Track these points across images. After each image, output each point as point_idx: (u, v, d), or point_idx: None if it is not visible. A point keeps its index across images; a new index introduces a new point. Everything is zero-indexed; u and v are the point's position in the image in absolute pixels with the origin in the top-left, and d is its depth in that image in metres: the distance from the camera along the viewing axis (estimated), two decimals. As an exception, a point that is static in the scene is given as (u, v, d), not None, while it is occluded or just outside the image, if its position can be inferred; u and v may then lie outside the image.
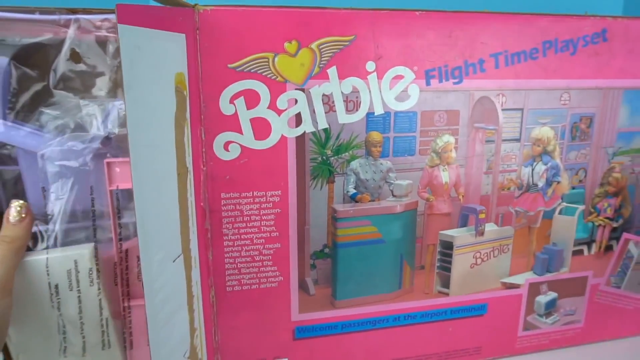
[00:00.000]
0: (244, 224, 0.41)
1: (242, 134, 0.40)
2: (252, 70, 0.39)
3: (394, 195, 0.44)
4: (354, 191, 0.43)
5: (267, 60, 0.39)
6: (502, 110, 0.44)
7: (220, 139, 0.39)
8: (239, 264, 0.42)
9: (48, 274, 0.38)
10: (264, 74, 0.39)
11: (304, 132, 0.41)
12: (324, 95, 0.40)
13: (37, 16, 0.37)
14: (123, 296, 0.41)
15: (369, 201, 0.44)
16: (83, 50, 0.39)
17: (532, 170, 0.47)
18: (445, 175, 0.45)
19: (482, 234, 0.47)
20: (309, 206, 0.43)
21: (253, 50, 0.38)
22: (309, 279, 0.44)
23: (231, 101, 0.39)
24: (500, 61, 0.43)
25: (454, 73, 0.42)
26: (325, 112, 0.41)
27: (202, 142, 0.39)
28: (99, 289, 0.39)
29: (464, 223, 0.46)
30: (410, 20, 0.40)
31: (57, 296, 0.38)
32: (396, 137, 0.43)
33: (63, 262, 0.38)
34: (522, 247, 0.49)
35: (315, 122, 0.41)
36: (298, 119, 0.40)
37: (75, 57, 0.39)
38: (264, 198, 0.41)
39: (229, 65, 0.38)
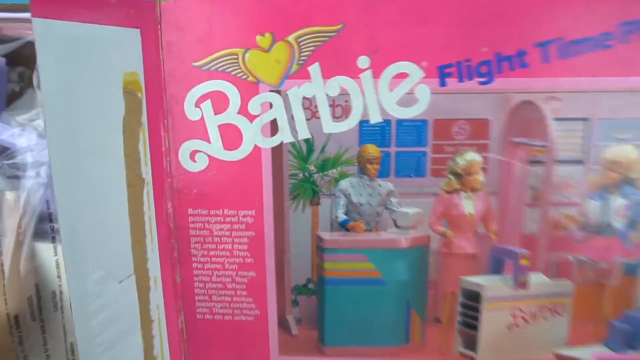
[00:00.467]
0: (214, 245, 0.36)
1: (209, 142, 0.34)
2: (219, 69, 0.33)
3: (397, 226, 0.35)
4: (345, 217, 0.35)
5: (236, 57, 0.33)
6: (556, 120, 0.32)
7: (186, 147, 0.35)
8: (209, 290, 0.37)
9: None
10: (233, 73, 0.33)
11: (281, 142, 0.34)
12: (304, 98, 0.33)
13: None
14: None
15: (364, 231, 0.35)
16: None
17: (605, 204, 0.33)
18: (468, 205, 0.34)
19: (524, 286, 0.34)
20: (289, 231, 0.36)
21: (220, 46, 0.33)
22: (290, 317, 0.37)
23: (197, 105, 0.34)
24: (551, 52, 0.31)
25: (479, 70, 0.31)
26: (307, 119, 0.34)
27: (166, 150, 0.35)
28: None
29: (496, 269, 0.35)
30: (416, 1, 0.31)
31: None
32: (399, 153, 0.34)
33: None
34: (589, 311, 0.35)
35: (294, 130, 0.34)
36: (274, 127, 0.34)
37: None
38: (236, 217, 0.36)
39: (194, 64, 0.33)
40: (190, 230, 0.36)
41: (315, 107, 0.33)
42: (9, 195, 0.36)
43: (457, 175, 0.34)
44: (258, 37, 0.33)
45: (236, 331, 0.38)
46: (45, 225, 0.36)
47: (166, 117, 0.34)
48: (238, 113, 0.34)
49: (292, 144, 0.34)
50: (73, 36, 0.29)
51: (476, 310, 0.35)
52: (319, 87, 0.33)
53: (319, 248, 0.36)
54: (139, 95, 0.33)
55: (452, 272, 0.35)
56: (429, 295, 0.36)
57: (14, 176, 0.36)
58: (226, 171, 0.35)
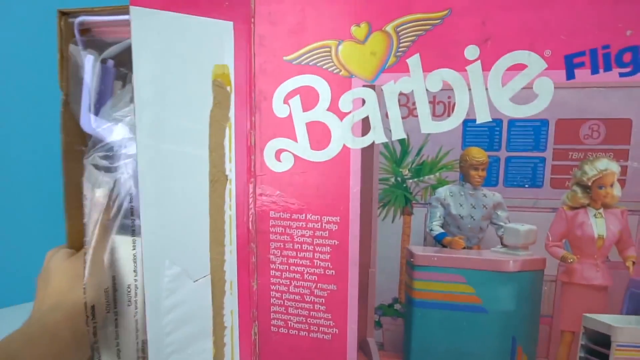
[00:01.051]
0: (294, 253, 0.34)
1: (296, 141, 0.32)
2: (310, 63, 0.31)
3: (503, 245, 0.30)
4: (441, 230, 0.31)
5: (329, 49, 0.31)
6: None
7: (272, 145, 0.33)
8: (286, 301, 0.34)
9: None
10: (324, 67, 0.31)
11: (373, 142, 0.31)
12: (401, 94, 0.30)
13: (115, 17, 0.37)
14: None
15: (463, 248, 0.30)
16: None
17: None
18: (598, 225, 0.28)
19: (672, 333, 0.27)
20: (376, 243, 0.32)
21: (313, 38, 0.31)
22: (371, 340, 0.33)
23: (285, 101, 0.32)
24: None
25: (621, 58, 0.26)
26: (403, 117, 0.30)
27: (252, 148, 0.33)
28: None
29: (634, 308, 0.28)
30: (538, -19, 0.27)
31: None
32: (511, 158, 0.29)
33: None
34: None
35: (388, 130, 0.30)
36: (365, 126, 0.31)
37: None
38: (319, 224, 0.33)
39: (285, 58, 0.32)
40: (271, 235, 0.34)
41: (413, 104, 0.30)
42: (99, 193, 0.36)
43: (584, 187, 0.28)
44: (353, 28, 0.30)
45: (311, 350, 0.34)
46: (127, 220, 0.36)
47: (253, 113, 0.33)
48: (327, 110, 0.31)
49: (385, 145, 0.31)
50: (167, 26, 0.29)
51: (604, 358, 0.28)
52: (419, 81, 0.29)
53: (409, 264, 0.31)
54: (228, 89, 0.32)
55: (573, 307, 0.29)
56: (540, 332, 0.30)
57: (104, 167, 0.36)
58: (312, 173, 0.32)
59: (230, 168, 0.33)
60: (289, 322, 0.35)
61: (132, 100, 0.39)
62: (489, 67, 0.28)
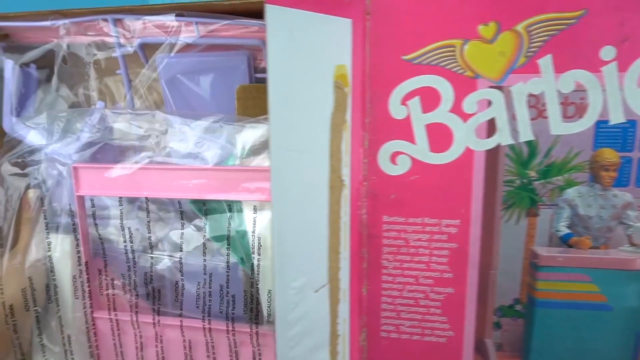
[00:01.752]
0: (409, 257, 0.33)
1: (414, 143, 0.31)
2: (432, 63, 0.30)
3: (631, 244, 0.30)
4: (568, 231, 0.31)
5: (453, 49, 0.30)
6: None
7: (387, 148, 0.32)
8: (398, 306, 0.34)
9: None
10: (448, 67, 0.30)
11: (498, 144, 0.30)
12: (530, 95, 0.29)
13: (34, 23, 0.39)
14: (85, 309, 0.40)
15: (590, 247, 0.31)
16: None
17: None
18: None
19: None
20: (498, 245, 0.32)
21: (436, 37, 0.30)
22: (489, 341, 0.33)
23: (403, 102, 0.31)
24: None
25: None
26: (532, 119, 0.30)
27: (365, 151, 0.32)
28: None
29: None
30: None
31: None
32: (644, 158, 0.29)
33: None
34: None
35: (515, 131, 0.30)
36: (490, 127, 0.30)
37: (64, 60, 0.42)
38: (438, 227, 0.32)
39: (404, 57, 0.30)
40: (384, 240, 0.33)
41: (543, 105, 0.29)
42: (31, 194, 0.39)
43: None
44: (480, 27, 0.29)
45: (424, 353, 0.34)
46: (66, 219, 0.39)
47: (367, 115, 0.32)
48: (450, 111, 0.31)
49: (511, 147, 0.30)
50: (296, 24, 0.27)
51: None
52: (550, 82, 0.29)
53: (533, 265, 0.31)
54: (346, 90, 0.30)
55: (699, 301, 0.30)
56: (664, 327, 0.31)
57: (15, 173, 0.40)
58: (430, 175, 0.31)
59: (346, 173, 0.31)
60: (401, 327, 0.34)
61: (50, 105, 0.43)
62: (626, 68, 0.28)
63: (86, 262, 0.39)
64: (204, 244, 0.37)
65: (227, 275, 0.37)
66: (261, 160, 0.35)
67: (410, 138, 0.31)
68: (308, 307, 0.31)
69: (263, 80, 0.39)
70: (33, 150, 0.40)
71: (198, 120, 0.38)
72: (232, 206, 0.36)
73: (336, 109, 0.30)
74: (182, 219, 0.38)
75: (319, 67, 0.29)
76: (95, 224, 0.39)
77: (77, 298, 0.39)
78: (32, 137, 0.40)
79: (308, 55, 0.28)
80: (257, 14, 0.37)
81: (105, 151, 0.40)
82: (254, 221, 0.35)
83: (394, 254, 0.33)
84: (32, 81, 0.43)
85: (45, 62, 0.43)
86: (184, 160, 0.37)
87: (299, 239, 0.29)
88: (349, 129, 0.31)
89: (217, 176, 0.34)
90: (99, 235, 0.39)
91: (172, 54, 0.39)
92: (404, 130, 0.31)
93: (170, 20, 0.38)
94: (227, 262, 0.36)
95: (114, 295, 0.40)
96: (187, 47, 0.39)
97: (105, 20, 0.39)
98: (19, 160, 0.40)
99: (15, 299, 0.38)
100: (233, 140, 0.36)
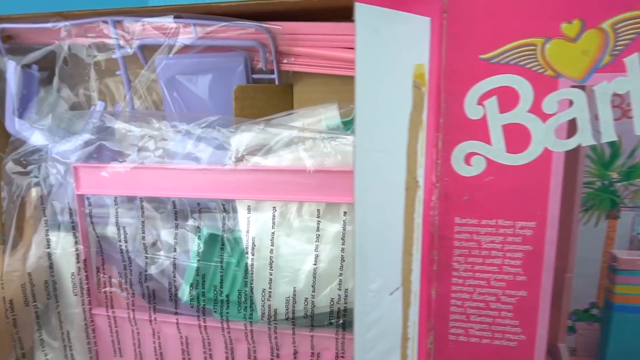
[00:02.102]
0: (481, 260, 0.32)
1: (490, 144, 0.31)
2: (511, 62, 0.30)
3: None
4: (650, 234, 0.30)
5: (534, 48, 0.29)
6: None
7: (461, 149, 0.31)
8: (468, 309, 0.33)
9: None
10: (527, 66, 0.29)
11: (579, 145, 0.30)
12: (614, 94, 0.29)
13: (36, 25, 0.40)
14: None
15: (674, 251, 0.30)
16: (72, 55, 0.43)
17: None
18: None
19: None
20: (575, 247, 0.31)
21: (515, 36, 0.29)
22: (563, 346, 0.33)
23: (479, 102, 0.30)
24: None
25: None
26: (615, 119, 0.29)
27: (438, 152, 0.31)
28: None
29: None
30: None
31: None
32: None
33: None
34: None
35: (597, 132, 0.29)
36: (571, 128, 0.30)
37: (65, 61, 0.44)
38: (512, 229, 0.31)
39: (481, 56, 0.30)
40: (455, 242, 0.32)
41: (628, 104, 0.29)
42: (34, 192, 0.40)
43: None
44: (564, 25, 0.29)
45: (494, 357, 0.34)
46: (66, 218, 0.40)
47: (441, 115, 0.31)
48: (528, 111, 0.30)
49: (592, 148, 0.30)
50: (382, 22, 0.27)
51: None
52: (636, 81, 0.28)
53: (611, 268, 0.31)
54: (423, 90, 0.30)
55: None
56: None
57: (18, 171, 0.41)
58: (506, 177, 0.31)
59: (420, 174, 0.31)
60: (470, 330, 0.34)
61: (52, 106, 0.45)
62: None
63: (84, 260, 0.40)
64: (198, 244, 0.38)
65: (221, 276, 0.37)
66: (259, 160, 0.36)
67: (485, 138, 0.31)
68: (383, 310, 0.30)
69: (259, 81, 0.40)
70: (36, 150, 0.42)
71: (195, 122, 0.39)
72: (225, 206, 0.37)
73: (414, 109, 0.30)
74: (175, 219, 0.38)
75: (401, 66, 0.28)
76: (93, 223, 0.40)
77: (75, 295, 0.41)
78: (36, 137, 0.42)
79: (391, 53, 0.28)
80: (254, 15, 0.37)
81: (105, 151, 0.41)
82: (248, 221, 0.36)
83: (465, 256, 0.33)
84: (34, 82, 0.45)
85: (47, 63, 0.45)
86: (182, 161, 0.38)
87: (377, 240, 0.29)
88: (424, 129, 0.31)
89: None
90: (96, 234, 0.40)
91: (171, 55, 0.40)
92: (479, 130, 0.31)
93: (168, 22, 0.39)
94: (221, 262, 0.37)
95: (111, 292, 0.42)
96: (186, 49, 0.40)
97: (105, 22, 0.40)
98: (22, 159, 0.42)
99: (15, 294, 0.39)
100: (228, 142, 0.37)
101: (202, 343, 0.40)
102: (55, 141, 0.42)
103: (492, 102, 0.30)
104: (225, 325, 0.38)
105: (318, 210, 0.35)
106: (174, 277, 0.40)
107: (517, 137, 0.30)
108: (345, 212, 0.34)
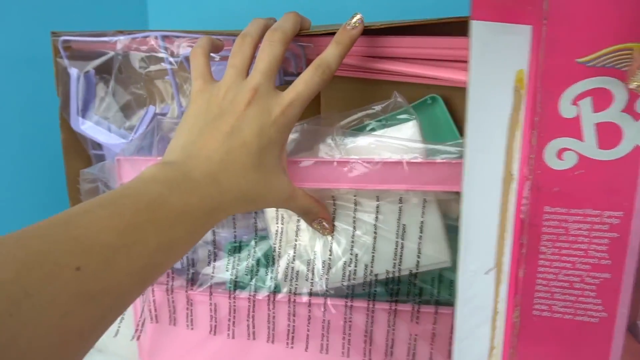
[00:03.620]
0: (567, 244, 0.36)
1: (582, 140, 0.33)
2: (607, 65, 0.32)
3: None
4: None
5: (630, 52, 0.31)
6: None
7: (554, 145, 0.34)
8: (552, 288, 0.37)
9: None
10: (623, 69, 0.32)
11: (669, 142, 0.32)
12: None
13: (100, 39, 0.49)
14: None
15: None
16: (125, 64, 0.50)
17: None
18: None
19: None
20: (660, 235, 0.34)
21: (612, 41, 0.32)
22: (642, 323, 0.36)
23: (574, 102, 0.33)
24: None
25: None
26: None
27: (532, 147, 0.35)
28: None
29: None
30: None
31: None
32: None
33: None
34: None
35: (688, 131, 0.32)
36: (662, 126, 0.32)
37: (120, 70, 0.51)
38: (599, 218, 0.35)
39: (578, 60, 0.32)
40: (543, 228, 0.36)
41: None
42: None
43: None
44: (661, 31, 0.31)
45: (574, 331, 0.37)
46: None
47: (536, 114, 0.34)
48: (622, 111, 0.32)
49: (682, 145, 0.32)
50: (490, 35, 0.30)
51: None
52: None
53: (694, 255, 0.34)
54: (522, 92, 0.33)
55: None
56: None
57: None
58: (596, 170, 0.34)
59: (515, 168, 0.34)
60: (553, 307, 0.37)
61: (107, 107, 0.52)
62: None
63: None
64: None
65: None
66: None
67: (578, 135, 0.34)
68: (478, 287, 0.34)
69: (291, 82, 0.45)
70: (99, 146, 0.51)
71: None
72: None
73: (514, 111, 0.33)
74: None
75: (505, 73, 0.31)
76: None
77: None
78: (100, 136, 0.51)
79: (497, 63, 0.31)
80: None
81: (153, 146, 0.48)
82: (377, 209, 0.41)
83: (553, 242, 0.36)
84: (92, 86, 0.52)
85: (103, 67, 0.52)
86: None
87: (477, 227, 0.33)
88: (520, 128, 0.34)
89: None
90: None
91: (217, 62, 0.46)
92: (572, 128, 0.34)
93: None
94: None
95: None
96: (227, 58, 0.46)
97: (156, 38, 0.47)
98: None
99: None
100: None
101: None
102: (114, 139, 0.49)
103: (587, 102, 0.33)
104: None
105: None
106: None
107: (609, 135, 0.33)
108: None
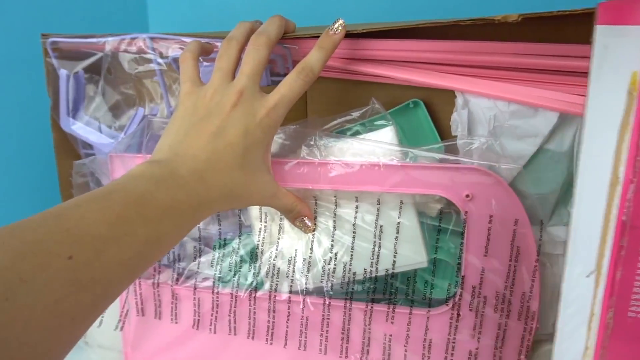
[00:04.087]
0: (669, 248, 0.36)
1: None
2: None
3: None
4: None
5: None
6: None
7: (661, 147, 0.35)
8: (651, 290, 0.38)
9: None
10: None
11: None
12: None
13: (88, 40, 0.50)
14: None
15: None
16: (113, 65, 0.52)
17: None
18: None
19: None
20: None
21: None
22: None
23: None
24: None
25: None
26: None
27: (638, 150, 0.34)
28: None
29: None
30: None
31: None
32: None
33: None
34: None
35: None
36: None
37: (109, 70, 0.52)
38: None
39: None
40: (645, 231, 0.36)
41: None
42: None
43: None
44: None
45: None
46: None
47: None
48: None
49: None
50: (611, 38, 0.31)
51: None
52: None
53: None
54: (634, 94, 0.33)
55: None
56: None
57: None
58: None
59: (621, 171, 0.34)
60: (650, 309, 0.38)
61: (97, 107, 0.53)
62: None
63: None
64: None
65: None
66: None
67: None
68: (580, 291, 0.36)
69: (277, 82, 0.46)
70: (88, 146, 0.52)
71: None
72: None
73: (625, 114, 0.33)
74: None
75: (620, 76, 0.32)
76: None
77: None
78: (90, 135, 0.52)
79: (614, 66, 0.31)
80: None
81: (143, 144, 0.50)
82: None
83: (654, 244, 0.36)
84: (82, 86, 0.53)
85: (91, 68, 0.53)
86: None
87: (583, 231, 0.34)
88: (630, 130, 0.34)
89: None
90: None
91: (204, 64, 0.47)
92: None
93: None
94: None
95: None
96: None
97: (144, 39, 0.49)
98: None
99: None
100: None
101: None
102: (104, 138, 0.51)
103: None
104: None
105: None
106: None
107: None
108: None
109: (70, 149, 0.56)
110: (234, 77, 0.39)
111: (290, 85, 0.38)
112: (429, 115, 0.45)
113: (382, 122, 0.44)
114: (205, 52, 0.43)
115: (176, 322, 0.51)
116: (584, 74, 0.41)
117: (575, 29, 0.41)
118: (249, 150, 0.36)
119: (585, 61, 0.40)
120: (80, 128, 0.52)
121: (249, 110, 0.36)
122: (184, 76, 0.40)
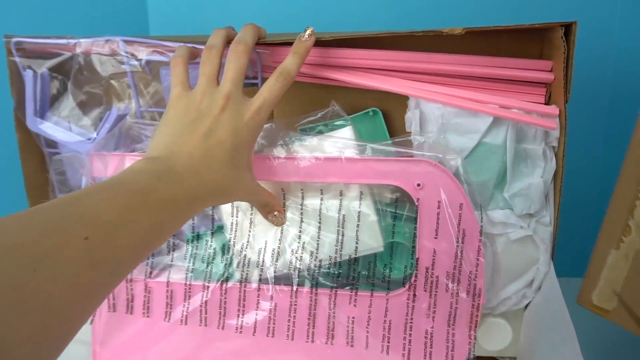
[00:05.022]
0: None
1: None
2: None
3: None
4: None
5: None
6: None
7: None
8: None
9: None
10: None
11: None
12: None
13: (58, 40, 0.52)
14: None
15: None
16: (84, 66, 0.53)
17: None
18: None
19: None
20: None
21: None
22: None
23: None
24: None
25: None
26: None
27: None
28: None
29: None
30: None
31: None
32: None
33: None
34: None
35: None
36: None
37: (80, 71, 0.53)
38: None
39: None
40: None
41: None
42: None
43: None
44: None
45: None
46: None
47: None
48: None
49: None
50: None
51: None
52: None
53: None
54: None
55: None
56: None
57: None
58: None
59: None
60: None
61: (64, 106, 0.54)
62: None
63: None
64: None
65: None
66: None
67: None
68: None
69: (249, 85, 0.50)
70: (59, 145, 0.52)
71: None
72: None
73: None
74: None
75: None
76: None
77: None
78: (58, 134, 0.52)
79: None
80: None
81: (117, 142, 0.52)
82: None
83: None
84: (47, 85, 0.53)
85: (58, 67, 0.54)
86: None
87: None
88: None
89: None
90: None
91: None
92: None
93: (171, 44, 0.50)
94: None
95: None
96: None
97: (117, 42, 0.52)
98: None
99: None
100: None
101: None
102: (75, 138, 0.52)
103: None
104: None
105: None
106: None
107: None
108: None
109: (35, 148, 0.56)
110: (218, 81, 0.42)
111: (270, 89, 0.42)
112: (384, 121, 0.51)
113: (341, 122, 0.49)
114: (193, 57, 0.47)
115: (148, 316, 0.51)
116: (516, 82, 0.47)
117: (507, 42, 0.47)
118: (238, 150, 0.40)
119: (515, 71, 0.47)
120: (49, 127, 0.53)
121: (237, 113, 0.40)
122: (175, 80, 0.43)
